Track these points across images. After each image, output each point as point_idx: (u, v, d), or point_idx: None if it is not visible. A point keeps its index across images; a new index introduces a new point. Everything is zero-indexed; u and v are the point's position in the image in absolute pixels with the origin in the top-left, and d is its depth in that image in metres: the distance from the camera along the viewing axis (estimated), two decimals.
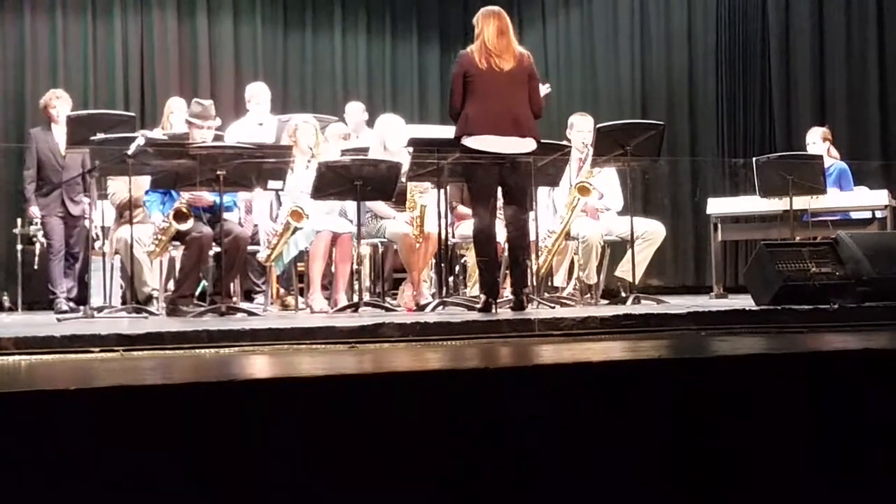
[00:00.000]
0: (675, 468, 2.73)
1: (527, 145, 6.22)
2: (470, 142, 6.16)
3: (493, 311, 5.98)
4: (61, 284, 7.89)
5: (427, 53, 11.98)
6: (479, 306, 6.08)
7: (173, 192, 6.65)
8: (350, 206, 7.03)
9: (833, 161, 8.36)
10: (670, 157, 10.16)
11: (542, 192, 7.38)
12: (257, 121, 8.28)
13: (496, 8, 6.38)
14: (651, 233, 7.36)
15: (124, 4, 10.49)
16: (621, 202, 7.58)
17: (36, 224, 8.27)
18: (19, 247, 8.54)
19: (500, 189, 6.30)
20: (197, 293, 6.94)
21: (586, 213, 7.39)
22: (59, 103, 7.92)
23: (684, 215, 10.60)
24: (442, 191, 6.66)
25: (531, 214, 6.75)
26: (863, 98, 9.64)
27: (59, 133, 7.77)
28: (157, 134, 7.40)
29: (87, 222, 7.32)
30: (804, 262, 5.83)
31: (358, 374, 2.97)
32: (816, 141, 8.41)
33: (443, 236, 6.71)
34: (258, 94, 8.40)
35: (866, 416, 2.91)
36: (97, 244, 7.43)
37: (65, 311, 7.24)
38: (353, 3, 11.72)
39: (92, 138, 6.66)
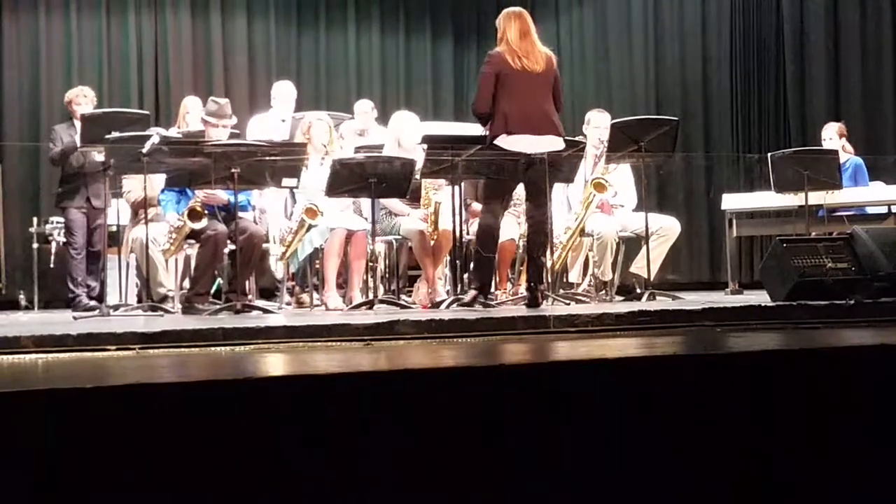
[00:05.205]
0: (692, 465, 2.72)
1: (559, 143, 6.35)
2: (507, 141, 6.18)
3: (477, 307, 6.00)
4: (83, 282, 7.84)
5: (441, 50, 11.95)
6: (465, 299, 6.10)
7: (188, 191, 6.67)
8: (364, 203, 7.03)
9: (848, 156, 8.34)
10: (685, 153, 10.13)
11: (557, 189, 7.37)
12: (280, 117, 8.27)
13: (517, 9, 6.45)
14: (666, 229, 7.35)
15: (138, 3, 10.50)
16: (635, 200, 7.57)
17: (52, 223, 8.28)
18: (35, 245, 8.56)
19: (520, 187, 6.34)
20: (212, 291, 6.96)
21: (601, 209, 7.38)
22: (85, 102, 7.93)
23: (699, 211, 10.58)
24: (456, 188, 6.65)
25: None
26: (878, 93, 9.60)
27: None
28: (172, 133, 7.41)
29: (105, 216, 7.30)
30: (820, 257, 5.82)
31: (373, 371, 2.97)
32: (832, 136, 8.39)
33: (457, 233, 6.70)
34: (284, 93, 8.39)
35: (883, 411, 2.90)
36: (117, 231, 7.39)
37: (87, 308, 7.22)
38: (367, 1, 11.71)
39: (106, 136, 6.68)
